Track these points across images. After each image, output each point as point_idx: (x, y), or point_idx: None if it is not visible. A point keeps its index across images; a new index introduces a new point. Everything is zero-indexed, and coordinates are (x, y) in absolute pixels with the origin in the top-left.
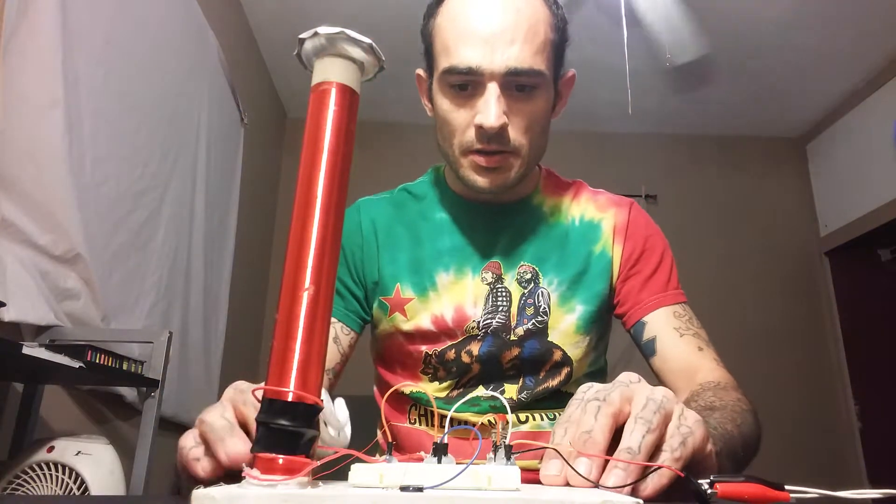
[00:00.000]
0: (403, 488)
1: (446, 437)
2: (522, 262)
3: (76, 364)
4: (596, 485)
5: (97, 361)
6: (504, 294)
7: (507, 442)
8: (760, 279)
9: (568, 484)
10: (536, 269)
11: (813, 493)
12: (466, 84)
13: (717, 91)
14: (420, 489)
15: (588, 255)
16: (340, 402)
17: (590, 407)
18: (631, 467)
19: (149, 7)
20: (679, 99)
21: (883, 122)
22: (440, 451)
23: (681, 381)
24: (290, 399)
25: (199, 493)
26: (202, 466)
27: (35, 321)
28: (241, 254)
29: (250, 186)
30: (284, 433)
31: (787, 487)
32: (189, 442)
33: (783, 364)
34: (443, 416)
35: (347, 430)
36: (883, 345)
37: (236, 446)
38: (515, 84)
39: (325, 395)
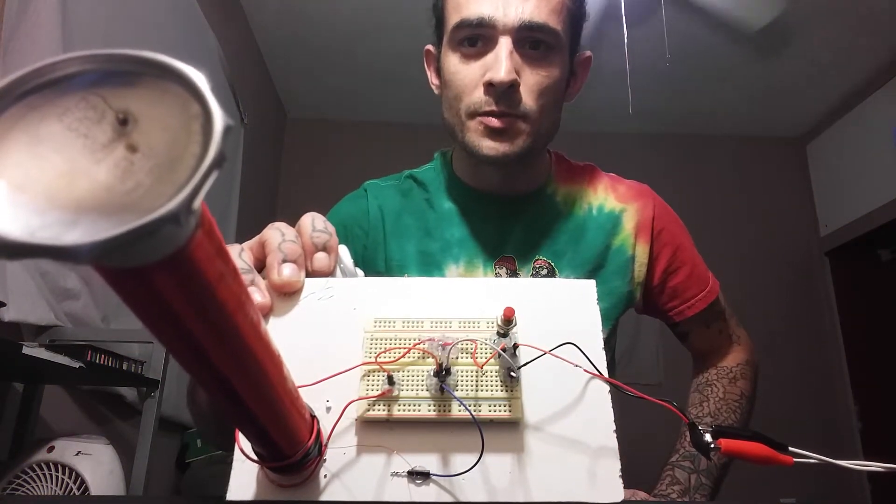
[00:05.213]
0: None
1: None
2: (538, 257)
3: (76, 364)
4: None
5: (97, 361)
6: None
7: None
8: (760, 279)
9: None
10: (552, 264)
11: (816, 458)
12: (477, 39)
13: (716, 91)
14: (427, 474)
15: (605, 250)
16: (345, 250)
17: None
18: None
19: (149, 7)
20: (679, 99)
21: (883, 123)
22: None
23: (701, 361)
24: (298, 457)
25: None
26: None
27: (35, 321)
28: None
29: (250, 186)
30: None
31: (791, 449)
32: (242, 265)
33: (783, 364)
34: None
35: (360, 274)
36: (883, 345)
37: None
38: (529, 42)
39: (343, 250)
